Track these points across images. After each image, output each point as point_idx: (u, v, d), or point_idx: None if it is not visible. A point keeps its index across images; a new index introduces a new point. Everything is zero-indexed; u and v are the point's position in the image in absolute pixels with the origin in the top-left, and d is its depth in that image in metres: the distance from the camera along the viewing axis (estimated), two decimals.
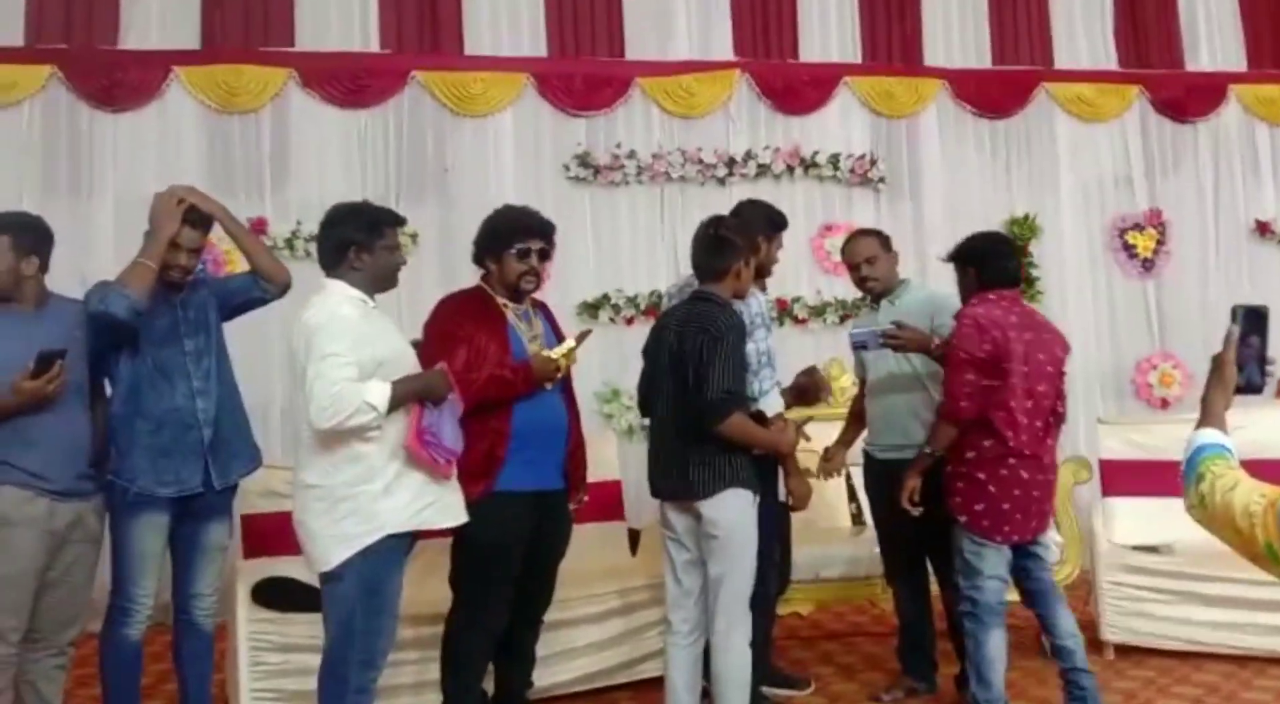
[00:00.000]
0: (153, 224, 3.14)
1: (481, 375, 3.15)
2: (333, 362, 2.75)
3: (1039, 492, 3.39)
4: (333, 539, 2.83)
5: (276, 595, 3.67)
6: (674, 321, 3.25)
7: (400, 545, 2.90)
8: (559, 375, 3.29)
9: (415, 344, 3.16)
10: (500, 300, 3.32)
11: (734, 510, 3.11)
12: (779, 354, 3.46)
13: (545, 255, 3.37)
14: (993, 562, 3.36)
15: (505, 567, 3.23)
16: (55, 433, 3.03)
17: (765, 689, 3.82)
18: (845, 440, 4.04)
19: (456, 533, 3.18)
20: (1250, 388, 1.83)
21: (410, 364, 2.97)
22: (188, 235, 3.18)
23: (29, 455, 2.98)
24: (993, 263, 3.51)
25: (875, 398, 3.85)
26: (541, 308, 3.50)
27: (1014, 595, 3.55)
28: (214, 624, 3.38)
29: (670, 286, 3.93)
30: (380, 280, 3.00)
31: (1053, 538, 4.32)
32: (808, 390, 3.89)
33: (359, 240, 2.93)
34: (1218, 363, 1.81)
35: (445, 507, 2.95)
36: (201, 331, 3.25)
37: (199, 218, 3.21)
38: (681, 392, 3.15)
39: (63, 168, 5.55)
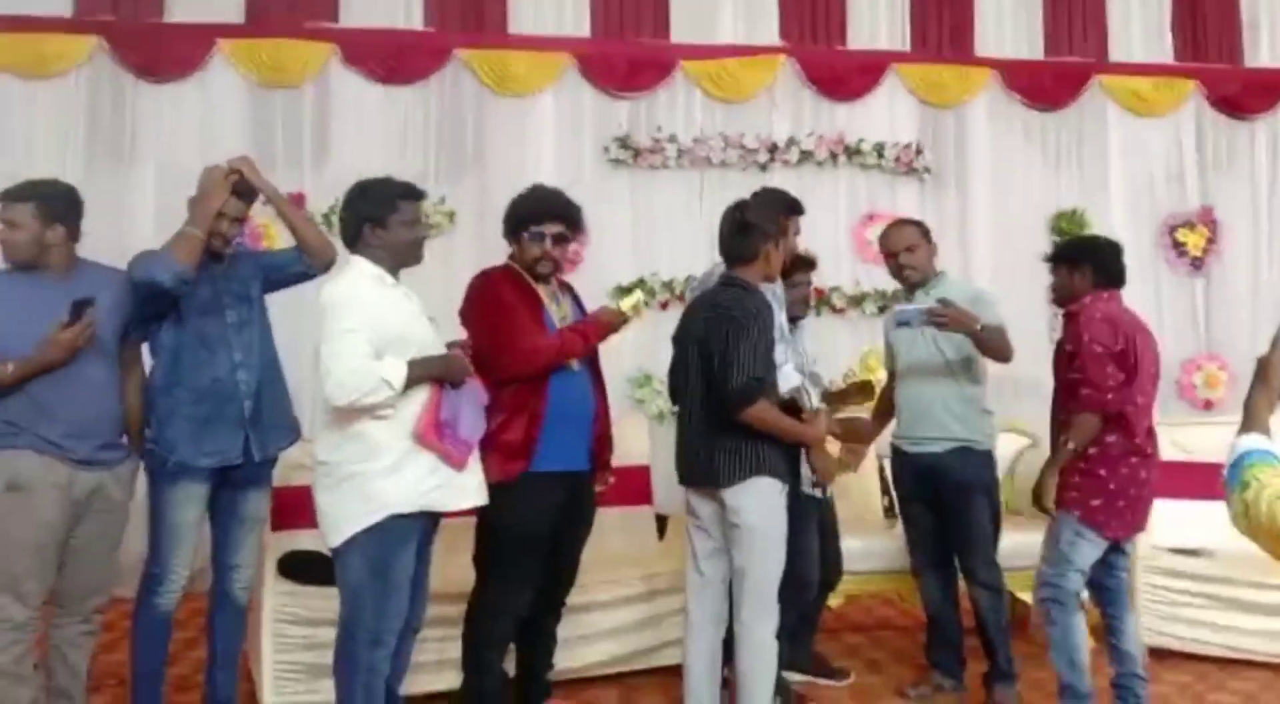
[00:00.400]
0: (201, 194, 3.15)
1: (560, 334, 3.15)
2: (349, 338, 2.73)
3: (1149, 490, 3.42)
4: (337, 516, 2.82)
5: (303, 569, 3.68)
6: (702, 307, 3.21)
7: (412, 526, 2.86)
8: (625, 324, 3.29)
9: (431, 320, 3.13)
10: (530, 280, 3.30)
11: (759, 499, 3.07)
12: (816, 342, 3.41)
13: (563, 239, 3.30)
14: (1087, 554, 3.34)
15: (534, 548, 3.21)
16: (78, 402, 3.03)
17: (801, 676, 3.80)
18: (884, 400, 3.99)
19: (482, 513, 3.15)
20: None
21: (429, 342, 2.93)
22: (233, 205, 3.20)
23: (51, 425, 2.99)
24: (1109, 262, 3.51)
25: (905, 389, 3.79)
26: (569, 290, 3.47)
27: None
28: (248, 596, 3.40)
29: (701, 275, 3.87)
30: (400, 255, 2.96)
31: None
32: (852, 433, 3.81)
33: (374, 216, 2.91)
34: (1263, 366, 1.75)
35: (457, 488, 2.91)
36: (244, 303, 3.25)
37: (246, 189, 3.23)
38: (708, 378, 3.11)
39: (106, 138, 5.60)
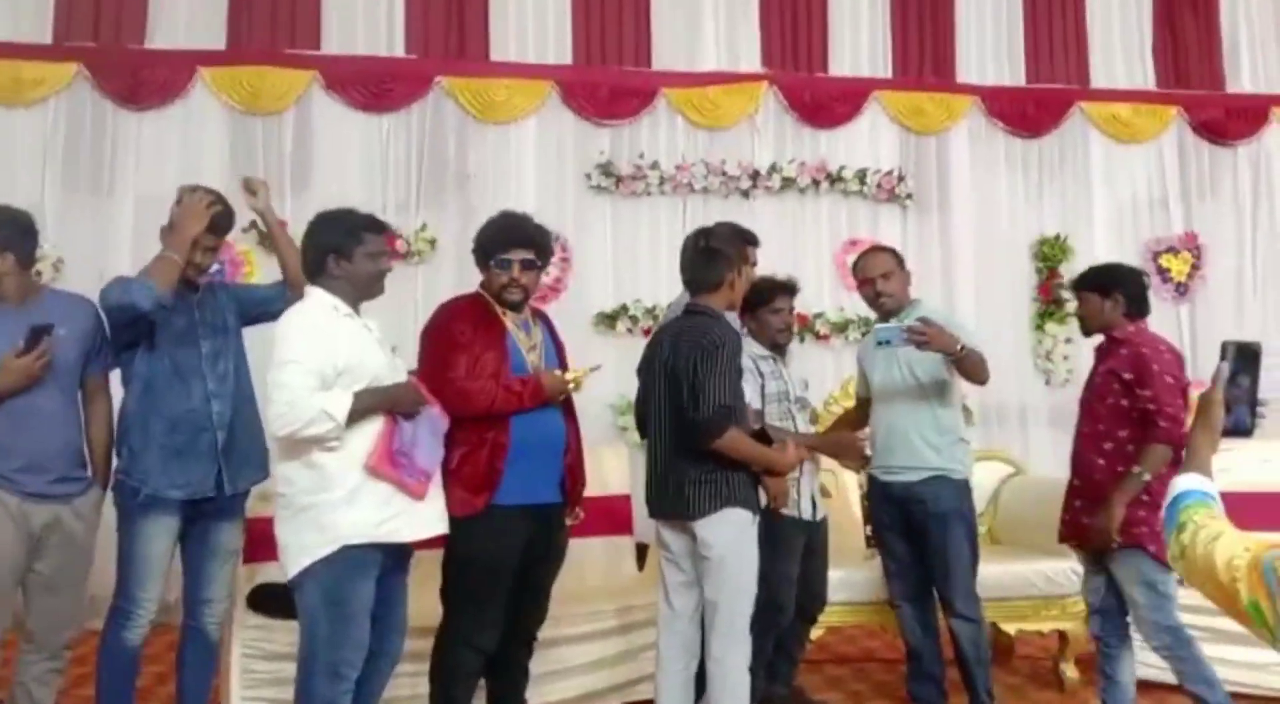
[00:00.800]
0: (177, 221, 3.12)
1: (489, 386, 3.07)
2: (292, 369, 2.71)
3: None
4: (293, 548, 2.79)
5: (273, 602, 3.61)
6: (667, 336, 3.18)
7: (369, 557, 2.81)
8: (564, 396, 3.22)
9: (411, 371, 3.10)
10: (498, 309, 3.25)
11: (730, 531, 3.02)
12: (803, 365, 3.37)
13: (532, 266, 3.24)
14: (1174, 585, 3.29)
15: (499, 582, 3.14)
16: (33, 435, 2.99)
17: None
18: (851, 426, 3.99)
19: (447, 546, 3.12)
20: (1238, 430, 1.70)
21: (384, 374, 2.89)
22: (207, 237, 3.17)
23: (3, 459, 2.94)
24: (1139, 290, 3.48)
25: (879, 417, 3.75)
26: (542, 318, 3.42)
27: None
28: (219, 632, 3.35)
29: (670, 304, 3.84)
30: (362, 287, 2.93)
31: (1072, 567, 4.20)
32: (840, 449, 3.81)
33: (337, 247, 2.89)
34: (1205, 403, 1.68)
35: (415, 518, 2.86)
36: (219, 334, 3.22)
37: (225, 222, 3.20)
38: (676, 407, 3.07)
39: (84, 166, 5.58)
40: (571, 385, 3.19)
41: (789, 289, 3.86)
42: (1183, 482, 1.61)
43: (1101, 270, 3.59)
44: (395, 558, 2.93)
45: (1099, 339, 3.50)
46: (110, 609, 3.16)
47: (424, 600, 3.39)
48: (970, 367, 3.53)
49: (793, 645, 3.90)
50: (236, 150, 5.69)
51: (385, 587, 2.91)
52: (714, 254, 3.15)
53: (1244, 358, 1.72)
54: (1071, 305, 6.31)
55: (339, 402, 2.71)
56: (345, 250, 2.89)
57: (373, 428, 2.79)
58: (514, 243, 3.22)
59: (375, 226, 2.98)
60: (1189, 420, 3.19)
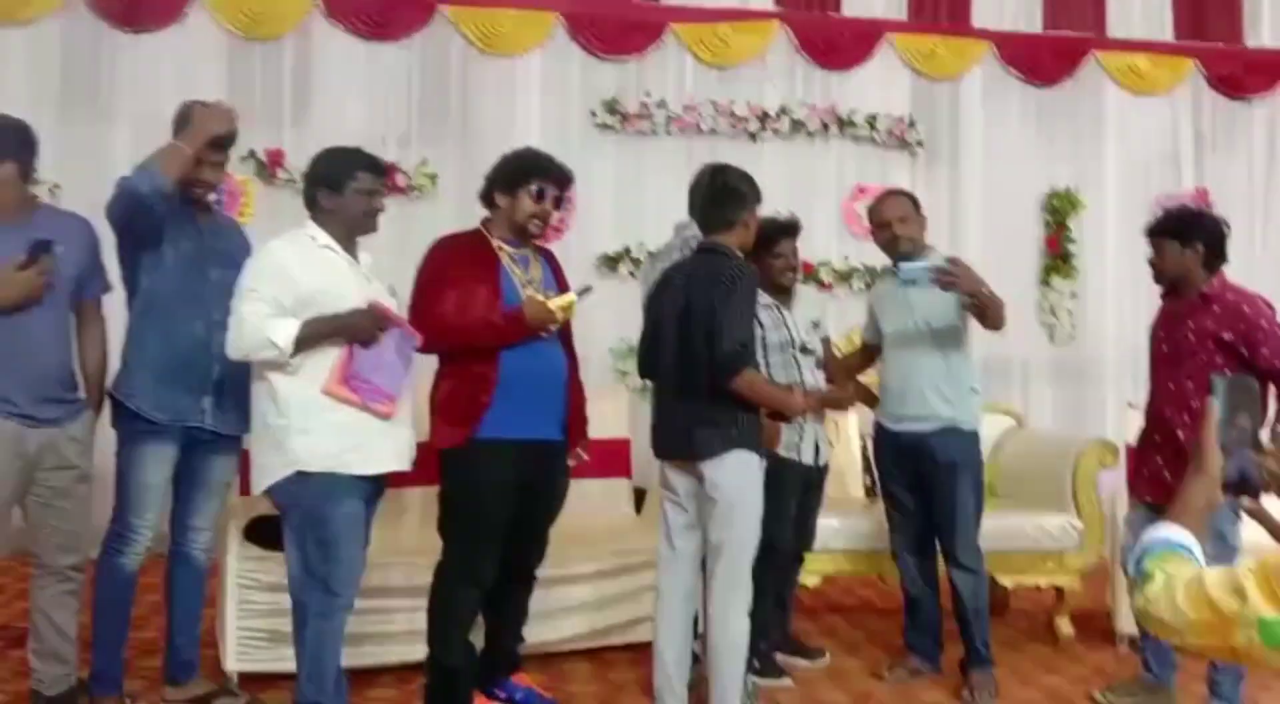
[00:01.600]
0: (197, 120, 3.04)
1: (468, 319, 3.03)
2: (249, 297, 2.77)
3: None
4: (257, 467, 2.87)
5: (269, 533, 3.59)
6: (679, 275, 3.11)
7: (338, 481, 2.80)
8: (554, 326, 3.14)
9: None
10: (496, 243, 3.17)
11: (737, 473, 2.99)
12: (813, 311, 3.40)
13: (559, 203, 3.22)
14: (1240, 536, 3.15)
15: (490, 517, 3.08)
16: (23, 354, 2.94)
17: (780, 657, 3.76)
18: (850, 371, 3.95)
19: (439, 475, 3.11)
20: (1244, 484, 1.39)
21: (347, 304, 2.83)
22: (215, 152, 3.11)
23: None
24: (1219, 239, 3.28)
25: (890, 366, 3.70)
26: (546, 255, 3.35)
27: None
28: (209, 559, 3.34)
29: (663, 246, 3.76)
30: (352, 224, 2.92)
31: (1070, 523, 4.20)
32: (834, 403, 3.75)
33: (329, 180, 2.90)
34: (1198, 449, 1.42)
35: (373, 453, 2.85)
36: (230, 267, 3.08)
37: (233, 141, 3.18)
38: (687, 348, 3.01)
39: (81, 88, 5.45)
40: (559, 312, 3.08)
41: (790, 231, 3.78)
42: (1160, 531, 1.37)
43: (1183, 216, 3.41)
44: (362, 488, 2.90)
45: (1134, 290, 3.42)
46: (107, 534, 3.15)
47: (425, 535, 3.39)
48: (993, 310, 3.46)
49: (784, 589, 3.90)
50: (234, 77, 5.56)
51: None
52: (730, 192, 3.09)
53: (1239, 394, 1.42)
54: (1079, 260, 6.28)
55: (285, 329, 2.74)
56: (336, 184, 2.89)
57: (332, 355, 2.80)
58: (551, 175, 3.17)
59: (373, 166, 2.96)
60: None
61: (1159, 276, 3.40)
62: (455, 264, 3.10)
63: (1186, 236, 3.27)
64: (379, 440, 2.86)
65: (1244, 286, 3.30)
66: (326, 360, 2.79)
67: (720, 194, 3.09)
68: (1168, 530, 1.37)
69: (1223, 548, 2.98)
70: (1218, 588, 1.25)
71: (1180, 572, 1.31)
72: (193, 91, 5.29)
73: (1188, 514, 1.39)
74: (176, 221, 3.06)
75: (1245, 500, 1.42)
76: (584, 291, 3.20)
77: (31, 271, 2.87)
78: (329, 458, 2.79)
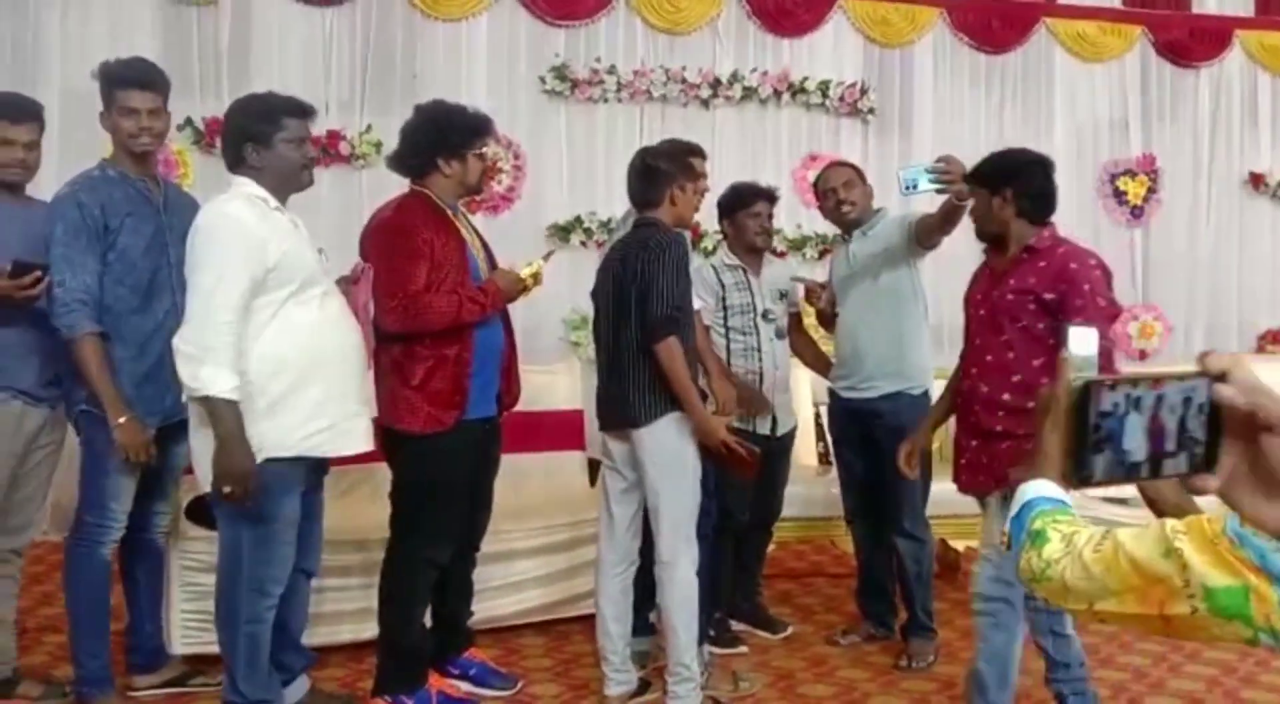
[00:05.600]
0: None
1: (454, 300, 2.95)
2: (221, 290, 2.57)
3: None
4: (210, 459, 2.67)
5: (211, 514, 3.50)
6: (616, 251, 3.15)
7: (293, 471, 2.72)
8: (524, 296, 3.12)
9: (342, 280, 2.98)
10: (448, 209, 3.11)
11: (670, 433, 3.03)
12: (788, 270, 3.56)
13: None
14: None
15: (460, 497, 3.10)
16: (22, 338, 2.94)
17: (737, 625, 3.77)
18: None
19: (405, 466, 3.05)
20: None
21: (315, 272, 2.77)
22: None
23: (10, 365, 2.92)
24: (1038, 186, 2.85)
25: (841, 333, 3.71)
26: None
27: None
28: (166, 542, 3.28)
29: (618, 222, 3.75)
30: (285, 179, 2.76)
31: None
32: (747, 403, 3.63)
33: (254, 134, 2.71)
34: (1051, 397, 1.25)
35: (344, 433, 2.76)
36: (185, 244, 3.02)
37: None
38: (623, 316, 3.05)
39: (6, 58, 5.22)
40: (530, 281, 3.10)
41: (769, 195, 3.82)
42: (1031, 488, 1.26)
43: (995, 161, 2.99)
44: (315, 473, 2.83)
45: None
46: (79, 525, 3.04)
47: (375, 513, 3.33)
48: (957, 219, 3.35)
49: (750, 559, 3.91)
50: (169, 43, 5.34)
51: (304, 503, 2.83)
52: (651, 171, 3.13)
53: (1081, 345, 1.44)
54: None
55: (224, 383, 2.57)
56: (263, 138, 2.70)
57: (285, 326, 2.67)
58: (488, 132, 3.15)
59: (297, 111, 2.77)
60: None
61: (977, 231, 3.01)
62: (424, 235, 3.00)
63: (996, 184, 2.87)
64: (354, 421, 2.77)
65: (1087, 250, 2.91)
66: (283, 337, 2.67)
67: (644, 173, 3.14)
68: (1045, 487, 1.26)
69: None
70: (1142, 550, 1.14)
71: (1078, 530, 1.21)
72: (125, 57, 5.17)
73: (1050, 467, 1.25)
74: (133, 206, 2.94)
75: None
76: (548, 255, 3.25)
77: (11, 283, 2.82)
78: (300, 442, 2.68)
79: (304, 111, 2.79)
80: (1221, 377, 0.68)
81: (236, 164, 2.75)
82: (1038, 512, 1.24)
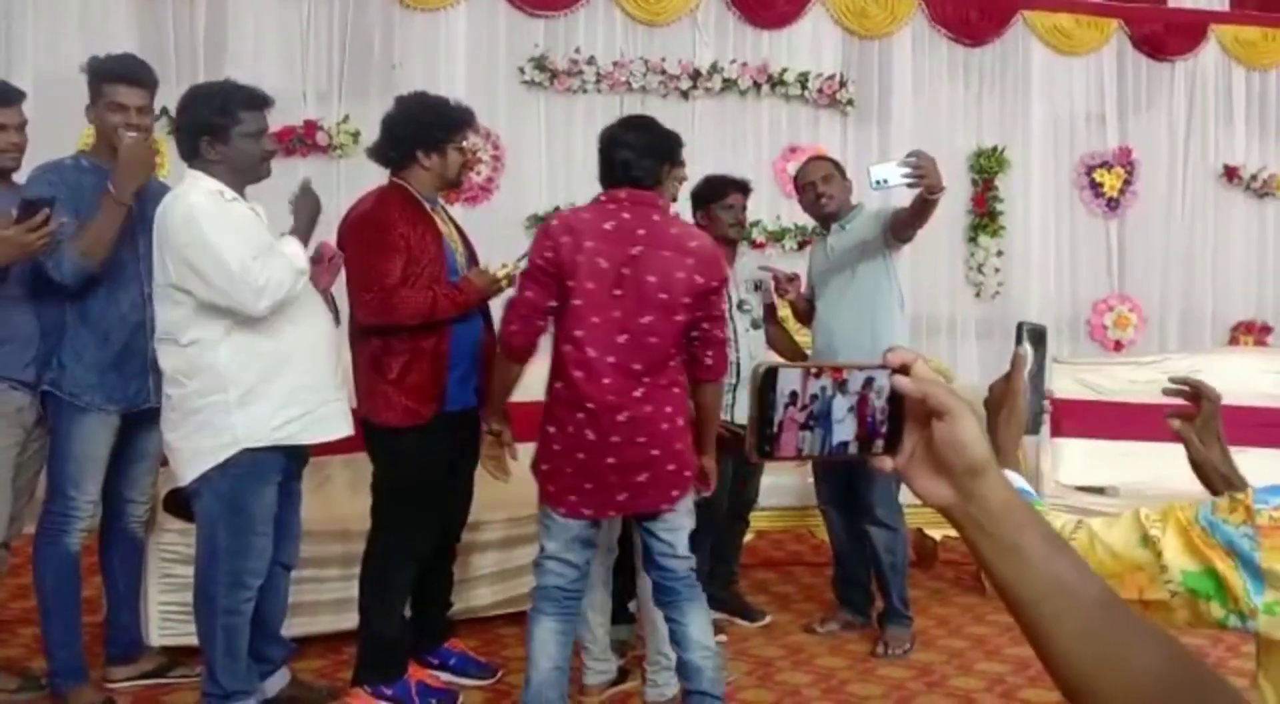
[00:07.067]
0: (124, 162, 2.87)
1: (432, 294, 2.95)
2: (233, 240, 2.60)
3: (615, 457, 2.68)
4: (186, 453, 2.68)
5: (188, 505, 3.49)
6: None
7: (269, 461, 2.71)
8: (497, 295, 3.11)
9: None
10: (425, 203, 3.11)
11: None
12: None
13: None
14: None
15: (441, 489, 3.10)
16: (12, 322, 2.92)
17: (716, 614, 3.78)
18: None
19: (386, 459, 3.04)
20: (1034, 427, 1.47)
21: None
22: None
23: (14, 354, 2.90)
24: (606, 155, 2.81)
25: (818, 324, 3.73)
26: None
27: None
28: (143, 531, 3.25)
29: None
30: (243, 172, 2.74)
31: None
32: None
33: (210, 128, 2.67)
34: (1006, 392, 1.44)
35: (319, 420, 2.75)
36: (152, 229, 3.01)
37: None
38: None
39: None
40: (504, 282, 3.08)
41: (742, 187, 3.82)
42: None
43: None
44: (294, 462, 2.82)
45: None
46: (48, 515, 3.03)
47: (355, 503, 3.33)
48: (929, 212, 3.41)
49: (727, 549, 3.93)
50: (144, 31, 5.31)
51: (281, 495, 2.82)
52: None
53: (1033, 342, 1.48)
54: (1005, 218, 6.34)
55: (294, 248, 2.68)
56: (219, 132, 2.67)
57: (264, 327, 2.68)
58: (468, 125, 3.13)
59: (254, 102, 2.74)
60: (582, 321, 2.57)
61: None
62: (400, 229, 2.98)
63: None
64: (332, 406, 2.77)
65: (590, 215, 2.78)
66: (258, 332, 2.67)
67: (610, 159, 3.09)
68: (1012, 479, 1.30)
69: None
70: (1119, 538, 1.22)
71: (1050, 519, 1.27)
72: (100, 46, 5.11)
73: (1010, 457, 1.40)
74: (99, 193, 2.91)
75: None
76: (523, 257, 3.14)
77: (20, 228, 2.69)
78: (273, 431, 2.66)
79: (261, 102, 2.76)
80: (904, 370, 0.77)
81: (192, 156, 2.72)
82: None
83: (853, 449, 0.77)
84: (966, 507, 0.77)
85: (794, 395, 0.74)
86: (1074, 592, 0.75)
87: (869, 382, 0.76)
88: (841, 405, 0.76)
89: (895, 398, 0.77)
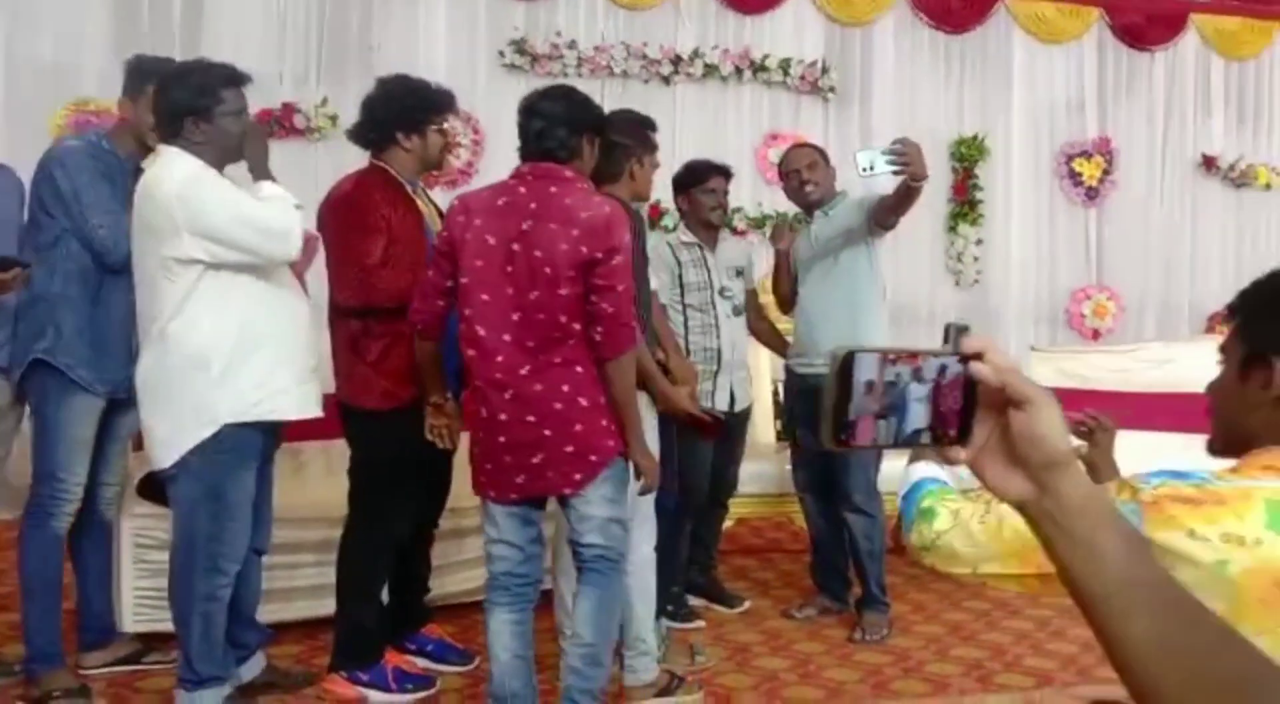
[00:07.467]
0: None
1: (412, 277, 2.90)
2: (237, 194, 2.62)
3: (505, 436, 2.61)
4: (164, 435, 2.65)
5: (162, 489, 3.46)
6: None
7: (249, 439, 2.69)
8: None
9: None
10: (407, 185, 3.09)
11: None
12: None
13: None
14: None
15: (418, 474, 3.08)
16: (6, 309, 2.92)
17: (694, 600, 3.81)
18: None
19: (365, 444, 3.02)
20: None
21: None
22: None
23: None
24: (520, 125, 2.75)
25: (800, 310, 3.73)
26: None
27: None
28: (113, 514, 3.23)
29: None
30: (226, 151, 2.73)
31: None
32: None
33: (194, 109, 2.65)
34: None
35: (299, 397, 2.75)
36: None
37: None
38: None
39: None
40: None
41: (724, 171, 3.82)
42: (917, 471, 1.50)
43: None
44: (269, 441, 2.81)
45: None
46: (36, 498, 3.00)
47: (329, 489, 3.31)
48: (912, 201, 3.41)
49: (706, 534, 3.94)
50: (120, 16, 5.23)
51: (257, 478, 2.81)
52: (612, 145, 3.04)
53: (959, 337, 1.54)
54: (985, 206, 6.36)
55: (275, 189, 2.68)
56: (204, 112, 2.65)
57: (237, 294, 2.67)
58: (449, 108, 3.11)
59: (234, 80, 2.73)
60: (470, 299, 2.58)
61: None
62: (381, 211, 2.96)
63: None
64: (307, 386, 2.76)
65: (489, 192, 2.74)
66: (232, 310, 2.65)
67: (602, 147, 3.02)
68: (927, 469, 1.51)
69: None
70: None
71: (963, 507, 1.42)
72: (75, 33, 5.06)
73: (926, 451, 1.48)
74: (111, 179, 2.91)
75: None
76: None
77: None
78: (252, 407, 2.65)
79: (240, 79, 2.75)
80: (977, 356, 0.74)
81: (173, 136, 2.69)
82: (925, 491, 1.47)
83: (925, 439, 0.73)
84: (1042, 501, 0.74)
85: (869, 383, 0.71)
86: (1148, 591, 0.72)
87: (943, 369, 0.73)
88: (916, 392, 0.72)
89: (968, 386, 0.74)
